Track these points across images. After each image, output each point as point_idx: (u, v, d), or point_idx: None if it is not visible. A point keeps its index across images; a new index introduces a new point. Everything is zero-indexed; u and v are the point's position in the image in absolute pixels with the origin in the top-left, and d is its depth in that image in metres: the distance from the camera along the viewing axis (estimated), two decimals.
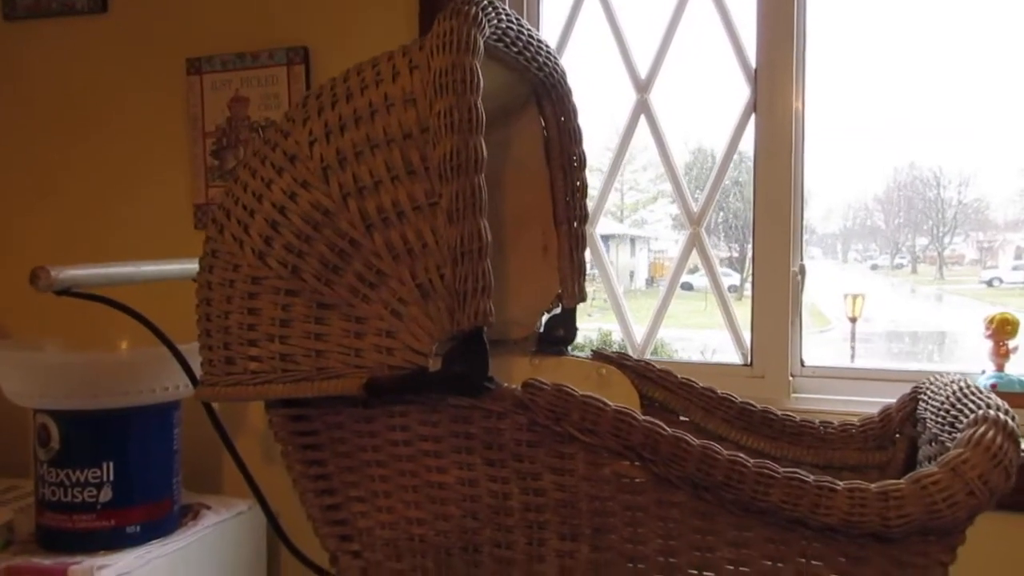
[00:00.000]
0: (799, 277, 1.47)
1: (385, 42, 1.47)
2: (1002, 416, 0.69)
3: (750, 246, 1.51)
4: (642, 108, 1.56)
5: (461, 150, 0.73)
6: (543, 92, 1.05)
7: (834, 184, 1.93)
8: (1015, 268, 1.90)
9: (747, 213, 1.53)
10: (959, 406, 0.77)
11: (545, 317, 1.14)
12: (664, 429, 0.74)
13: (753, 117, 1.47)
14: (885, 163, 1.87)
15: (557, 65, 1.04)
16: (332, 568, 0.88)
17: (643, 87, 1.56)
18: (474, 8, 0.77)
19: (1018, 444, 0.68)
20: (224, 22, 1.63)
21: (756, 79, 1.46)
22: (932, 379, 0.92)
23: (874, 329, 2.03)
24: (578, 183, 1.10)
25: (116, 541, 1.20)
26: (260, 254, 0.81)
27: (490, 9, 0.81)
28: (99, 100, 1.71)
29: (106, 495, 1.20)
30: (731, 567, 0.75)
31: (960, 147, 1.67)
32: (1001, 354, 1.37)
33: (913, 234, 2.04)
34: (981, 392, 0.79)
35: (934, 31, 1.58)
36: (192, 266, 0.92)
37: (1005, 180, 1.74)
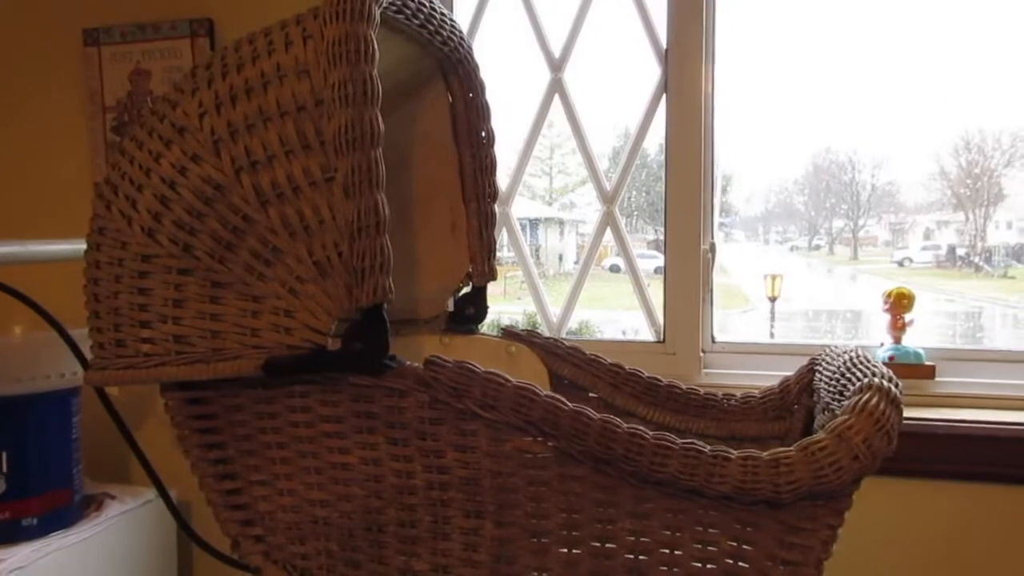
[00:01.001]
0: (709, 255, 1.50)
1: (293, 13, 1.43)
2: (886, 383, 0.71)
3: None
4: (556, 87, 1.56)
5: (356, 123, 0.71)
6: (449, 67, 1.04)
7: (756, 168, 1.97)
8: (924, 248, 1.98)
9: None
10: (848, 375, 0.79)
11: (456, 296, 1.14)
12: (565, 404, 0.74)
13: (664, 97, 1.48)
14: (804, 147, 1.91)
15: (463, 40, 1.02)
16: (234, 553, 0.86)
17: (557, 66, 1.56)
18: None
19: (900, 410, 0.71)
20: None
21: (667, 59, 1.48)
22: (828, 351, 0.95)
23: (793, 308, 2.09)
24: (487, 160, 1.09)
25: (12, 534, 1.15)
26: (149, 231, 0.78)
27: None
28: None
29: (0, 487, 1.14)
30: (632, 538, 0.76)
31: (873, 132, 1.72)
32: (898, 327, 1.42)
33: (830, 216, 2.10)
34: (869, 361, 0.81)
35: (849, 17, 1.62)
36: (83, 246, 0.88)
37: (916, 164, 1.80)
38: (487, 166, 1.09)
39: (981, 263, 1.91)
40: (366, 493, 0.81)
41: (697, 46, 1.46)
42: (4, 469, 1.15)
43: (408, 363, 0.77)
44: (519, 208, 1.97)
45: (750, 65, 1.64)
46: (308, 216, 0.74)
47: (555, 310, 1.62)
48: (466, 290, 1.12)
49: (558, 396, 0.74)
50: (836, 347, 0.94)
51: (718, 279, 1.54)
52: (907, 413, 1.38)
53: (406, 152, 1.11)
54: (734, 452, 0.71)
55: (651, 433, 0.73)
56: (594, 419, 0.73)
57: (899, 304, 1.42)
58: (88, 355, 0.86)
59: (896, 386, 0.72)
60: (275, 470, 0.83)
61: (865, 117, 1.68)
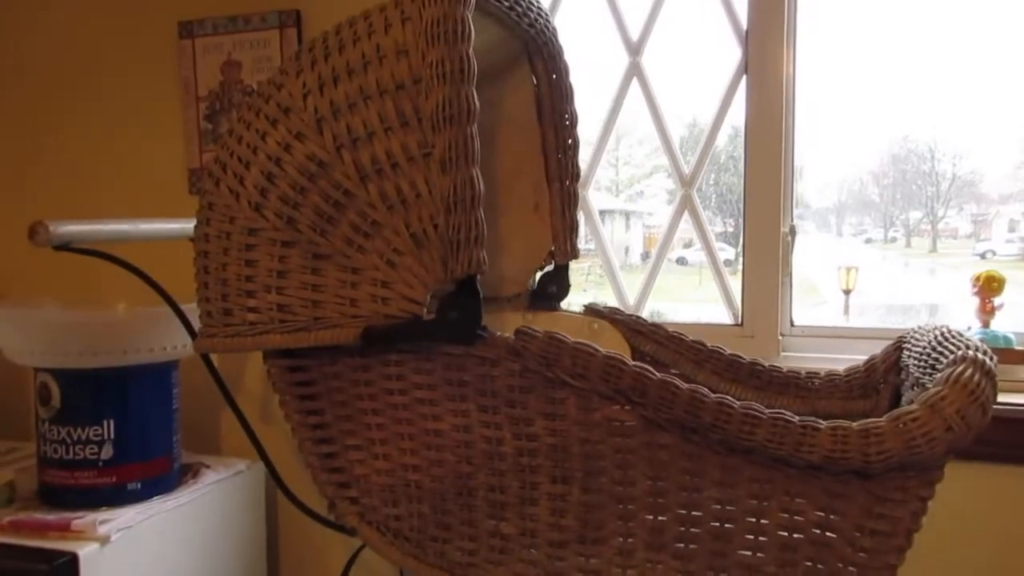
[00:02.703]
0: (789, 238, 1.49)
1: (377, 3, 1.46)
2: (980, 355, 0.71)
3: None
4: (634, 71, 1.56)
5: (453, 100, 0.74)
6: (534, 49, 1.06)
7: (829, 159, 1.93)
8: (1008, 241, 1.89)
9: (741, 186, 1.55)
10: (939, 350, 0.79)
11: (538, 274, 1.16)
12: (653, 373, 0.76)
13: (744, 80, 1.47)
14: (880, 137, 1.85)
15: (548, 22, 1.04)
16: (330, 513, 0.91)
17: (635, 50, 1.56)
18: None
19: (995, 382, 0.70)
20: None
21: (747, 40, 1.47)
22: (916, 329, 0.94)
23: (868, 302, 2.04)
24: (569, 141, 1.11)
25: (118, 497, 1.22)
26: (256, 205, 0.82)
27: None
28: (92, 65, 1.71)
29: (107, 452, 1.22)
30: (718, 506, 0.77)
31: (955, 120, 1.67)
32: (987, 311, 1.39)
33: (907, 208, 2.04)
34: (961, 336, 0.81)
35: (927, 2, 1.58)
36: (190, 225, 0.94)
37: (1000, 153, 1.74)
38: (570, 146, 1.12)
39: None
40: (457, 459, 0.84)
41: (779, 27, 1.44)
42: (111, 436, 1.22)
43: (499, 333, 0.80)
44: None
45: (826, 52, 1.61)
46: (405, 190, 0.78)
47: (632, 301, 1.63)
48: (549, 268, 1.14)
49: (645, 366, 0.76)
50: (924, 326, 0.93)
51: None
52: (999, 399, 1.35)
53: (492, 132, 1.13)
54: (823, 422, 0.72)
55: (739, 403, 0.74)
56: (682, 388, 0.74)
57: (988, 287, 1.39)
58: (196, 326, 0.91)
59: (991, 359, 0.72)
60: (370, 435, 0.87)
61: (946, 105, 1.63)
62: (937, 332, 0.86)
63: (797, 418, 0.72)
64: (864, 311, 1.80)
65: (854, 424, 0.71)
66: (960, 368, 0.70)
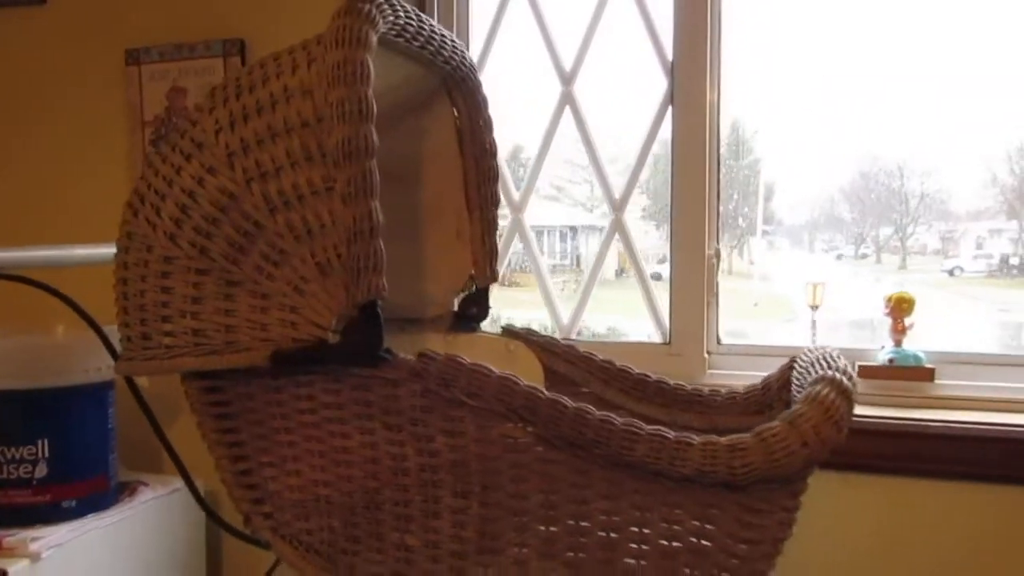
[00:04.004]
0: (714, 260, 1.55)
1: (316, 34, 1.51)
2: (839, 376, 0.77)
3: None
4: (567, 99, 1.63)
5: (353, 138, 0.79)
6: (453, 84, 1.12)
7: (801, 176, 1.97)
8: (976, 257, 1.92)
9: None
10: (812, 371, 0.85)
11: (461, 297, 1.21)
12: (543, 393, 0.81)
13: (670, 110, 1.54)
14: (850, 155, 1.90)
15: (465, 58, 1.10)
16: (246, 528, 0.94)
17: (568, 79, 1.62)
18: (367, 5, 0.83)
19: (851, 402, 0.76)
20: (162, 13, 1.67)
21: (673, 72, 1.54)
22: (806, 350, 1.00)
23: (839, 318, 2.08)
24: (489, 171, 1.17)
25: (52, 515, 1.25)
26: (171, 236, 0.87)
27: (385, 6, 0.87)
28: (38, 90, 1.74)
29: (41, 471, 1.24)
30: (604, 517, 0.82)
31: (923, 139, 1.71)
32: (898, 330, 1.46)
33: (877, 225, 2.05)
34: (833, 359, 0.87)
35: (897, 25, 1.61)
36: (100, 252, 0.98)
37: (967, 172, 1.77)
38: (490, 176, 1.17)
39: None
40: (364, 474, 0.88)
41: (702, 58, 1.51)
42: (46, 455, 1.25)
43: (401, 356, 0.84)
44: (561, 215, 2.03)
45: (796, 73, 1.65)
46: (311, 221, 0.82)
47: (599, 316, 1.68)
48: (470, 291, 1.19)
49: (536, 385, 0.81)
50: (814, 348, 0.99)
51: (761, 288, 1.58)
52: (905, 414, 1.42)
53: (416, 162, 1.18)
54: (696, 438, 0.77)
55: (621, 420, 0.79)
56: (568, 406, 0.80)
57: (899, 308, 1.46)
58: (118, 348, 0.95)
59: (849, 379, 0.78)
60: (283, 452, 0.91)
61: (914, 124, 1.67)
62: (819, 354, 0.92)
63: (673, 434, 0.77)
64: (836, 327, 1.81)
65: (723, 439, 0.76)
66: (819, 388, 0.76)
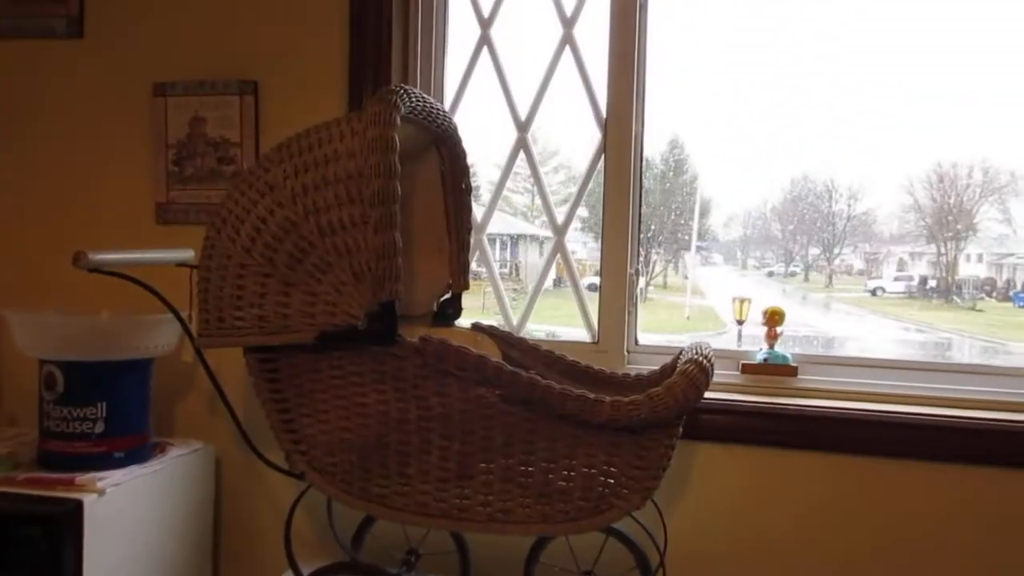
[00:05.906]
0: (634, 278, 1.95)
1: (320, 80, 1.90)
2: (700, 357, 1.17)
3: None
4: (521, 143, 2.01)
5: (383, 189, 1.16)
6: (440, 140, 1.49)
7: (735, 193, 2.04)
8: (896, 279, 2.02)
9: (652, 219, 1.79)
10: (689, 355, 1.25)
11: (440, 300, 1.58)
12: (506, 367, 1.19)
13: (603, 156, 1.94)
14: (781, 175, 1.94)
15: (450, 121, 1.47)
16: (287, 462, 1.30)
17: (523, 127, 2.01)
18: (394, 96, 1.20)
19: (707, 374, 1.16)
20: (187, 54, 1.98)
21: (605, 127, 1.93)
22: (690, 344, 1.40)
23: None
24: (464, 204, 1.55)
25: (106, 463, 1.57)
26: (247, 249, 1.22)
27: (404, 94, 1.24)
28: (73, 115, 2.02)
29: (100, 427, 1.56)
30: (545, 452, 1.21)
31: (849, 162, 1.81)
32: (771, 336, 1.88)
33: (806, 244, 2.13)
34: (702, 349, 1.27)
35: (827, 47, 1.69)
36: (176, 255, 1.34)
37: (891, 196, 1.86)
38: (465, 208, 1.55)
39: (952, 295, 1.97)
40: (377, 423, 1.25)
41: (628, 120, 1.91)
42: (103, 415, 1.57)
43: (408, 339, 1.21)
44: (499, 225, 2.29)
45: (730, 90, 1.77)
46: (350, 244, 1.19)
47: (532, 325, 2.04)
48: (447, 296, 1.57)
49: (503, 363, 1.19)
50: (695, 343, 1.39)
51: (694, 301, 1.85)
52: (771, 400, 1.85)
53: (410, 196, 1.55)
54: (608, 398, 1.16)
55: (558, 386, 1.18)
56: (523, 376, 1.18)
57: (773, 319, 1.88)
58: (173, 335, 1.29)
59: (708, 360, 1.18)
60: (317, 407, 1.27)
61: (842, 147, 1.76)
62: (698, 346, 1.33)
63: (592, 395, 1.16)
64: (762, 341, 1.90)
65: (625, 399, 1.15)
66: (687, 365, 1.16)
